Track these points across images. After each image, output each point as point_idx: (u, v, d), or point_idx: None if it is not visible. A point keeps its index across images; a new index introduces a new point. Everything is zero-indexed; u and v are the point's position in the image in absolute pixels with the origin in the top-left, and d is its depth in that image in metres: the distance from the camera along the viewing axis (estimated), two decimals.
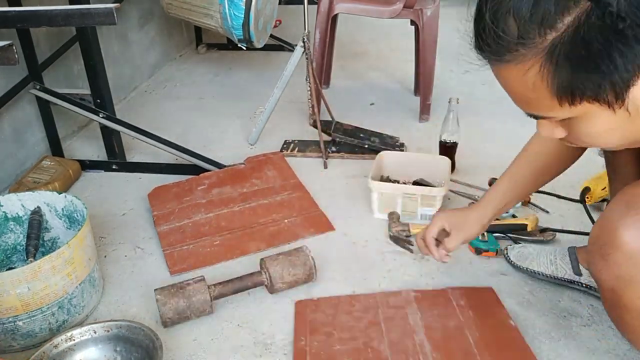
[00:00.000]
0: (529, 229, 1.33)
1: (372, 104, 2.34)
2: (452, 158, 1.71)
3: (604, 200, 1.52)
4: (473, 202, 1.59)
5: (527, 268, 1.28)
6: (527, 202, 1.57)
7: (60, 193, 1.35)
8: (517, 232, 1.39)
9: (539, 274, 1.26)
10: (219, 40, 3.01)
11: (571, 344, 1.12)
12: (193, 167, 1.80)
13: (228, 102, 2.40)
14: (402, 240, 1.42)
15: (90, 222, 1.26)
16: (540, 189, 1.62)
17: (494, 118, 2.12)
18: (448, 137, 1.73)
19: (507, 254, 1.33)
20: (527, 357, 1.07)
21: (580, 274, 1.22)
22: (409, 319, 1.17)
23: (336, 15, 2.21)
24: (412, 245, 1.38)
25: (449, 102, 1.70)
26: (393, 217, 1.50)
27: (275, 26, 2.48)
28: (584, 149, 1.07)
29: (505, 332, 1.13)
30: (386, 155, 1.68)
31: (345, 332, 1.16)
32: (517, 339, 1.11)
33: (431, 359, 1.07)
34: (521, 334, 1.12)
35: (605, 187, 1.45)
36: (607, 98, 0.66)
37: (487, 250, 1.37)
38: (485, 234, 1.41)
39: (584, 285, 1.23)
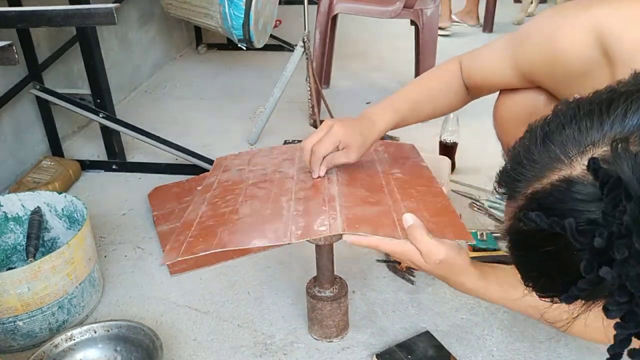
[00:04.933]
0: None
1: (368, 102, 2.33)
2: (452, 158, 1.71)
3: None
4: (473, 202, 1.60)
5: None
6: None
7: (60, 193, 1.35)
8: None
9: None
10: (219, 40, 3.02)
11: (571, 344, 1.12)
12: (193, 167, 1.80)
13: (228, 102, 2.40)
14: (400, 269, 1.33)
15: (90, 222, 1.26)
16: None
17: None
18: (448, 137, 1.73)
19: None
20: None
21: None
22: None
23: (336, 15, 2.21)
24: (413, 276, 1.30)
25: None
26: None
27: (275, 26, 2.49)
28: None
29: None
30: None
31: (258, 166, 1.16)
32: None
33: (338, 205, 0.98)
34: None
35: None
36: None
37: (484, 249, 1.37)
38: (484, 233, 1.41)
39: None
